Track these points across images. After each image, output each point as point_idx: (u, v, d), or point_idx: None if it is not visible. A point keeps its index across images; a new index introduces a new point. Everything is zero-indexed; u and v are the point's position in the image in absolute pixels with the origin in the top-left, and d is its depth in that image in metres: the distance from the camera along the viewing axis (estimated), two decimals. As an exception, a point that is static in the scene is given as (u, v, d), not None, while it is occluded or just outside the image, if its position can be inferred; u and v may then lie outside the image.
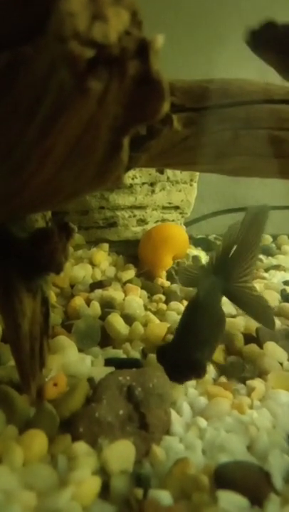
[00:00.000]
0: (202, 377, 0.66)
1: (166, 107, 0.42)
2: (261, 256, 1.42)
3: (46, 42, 0.38)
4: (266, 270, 1.28)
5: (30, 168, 0.41)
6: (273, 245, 1.52)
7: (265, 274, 1.23)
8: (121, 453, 0.51)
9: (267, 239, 1.55)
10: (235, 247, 0.77)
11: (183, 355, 0.66)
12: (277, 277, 1.19)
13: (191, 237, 1.47)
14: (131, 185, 1.18)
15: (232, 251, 0.77)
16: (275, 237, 1.57)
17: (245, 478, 0.49)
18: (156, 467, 0.52)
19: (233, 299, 0.81)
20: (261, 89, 0.57)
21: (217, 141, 0.57)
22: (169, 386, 0.62)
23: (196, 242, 1.51)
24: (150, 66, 0.39)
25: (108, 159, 0.45)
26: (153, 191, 1.21)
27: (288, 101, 0.57)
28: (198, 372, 0.65)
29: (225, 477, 0.49)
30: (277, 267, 1.29)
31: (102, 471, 0.50)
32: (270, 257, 1.41)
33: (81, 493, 0.46)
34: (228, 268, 0.77)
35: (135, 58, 0.39)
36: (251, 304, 0.79)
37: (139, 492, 0.48)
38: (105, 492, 0.48)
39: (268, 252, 1.45)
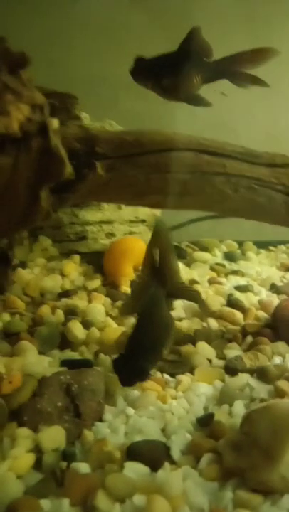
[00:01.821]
0: (145, 381, 0.78)
1: (68, 169, 0.55)
2: (225, 261, 1.55)
3: None
4: (226, 275, 1.40)
5: None
6: (239, 251, 1.64)
7: (223, 279, 1.35)
8: (53, 435, 0.65)
9: (233, 245, 1.67)
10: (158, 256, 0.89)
11: (130, 364, 0.77)
12: (231, 282, 1.31)
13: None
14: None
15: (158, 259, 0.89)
16: (241, 244, 1.69)
17: (149, 452, 0.62)
18: (84, 446, 0.66)
19: (177, 296, 0.95)
20: (169, 140, 0.70)
21: (133, 182, 0.70)
22: (104, 382, 0.75)
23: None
24: (49, 141, 0.53)
25: (30, 207, 0.58)
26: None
27: (191, 149, 0.70)
28: (141, 378, 0.77)
29: (134, 452, 0.62)
30: (236, 272, 1.42)
31: (38, 450, 0.63)
32: (232, 263, 1.54)
33: (17, 466, 0.59)
34: (162, 274, 0.89)
35: (38, 136, 0.52)
36: (189, 295, 0.94)
37: (64, 464, 0.61)
38: (38, 466, 0.62)
39: (232, 258, 1.57)
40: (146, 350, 0.80)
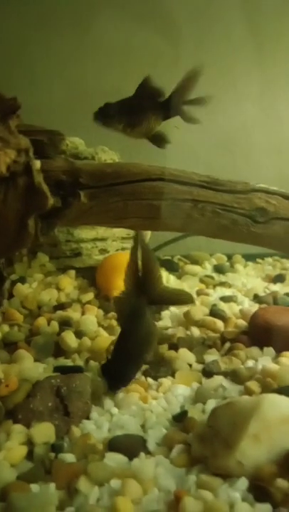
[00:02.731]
0: (127, 386, 0.88)
1: (50, 201, 0.65)
2: (214, 274, 1.64)
3: None
4: (214, 287, 1.49)
5: None
6: (228, 264, 1.73)
7: (211, 291, 1.43)
8: (44, 431, 0.74)
9: (222, 258, 1.76)
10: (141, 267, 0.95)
11: (114, 371, 0.87)
12: (218, 293, 1.39)
13: (157, 259, 1.68)
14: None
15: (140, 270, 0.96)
16: (230, 257, 1.78)
17: (128, 444, 0.71)
18: (72, 440, 0.75)
19: (161, 302, 1.01)
20: (143, 171, 0.80)
21: (113, 208, 0.80)
22: (90, 385, 0.84)
23: (161, 263, 1.72)
24: (33, 179, 0.63)
25: (19, 233, 0.68)
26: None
27: (162, 179, 0.79)
28: (123, 384, 0.87)
29: (114, 444, 0.71)
30: (223, 284, 1.50)
31: (30, 443, 0.72)
32: (221, 275, 1.62)
33: (11, 456, 0.69)
34: (146, 283, 0.96)
35: (23, 175, 0.62)
36: (173, 298, 1.00)
37: (52, 455, 0.70)
38: (30, 456, 0.71)
39: (221, 270, 1.65)
40: (129, 358, 0.89)
